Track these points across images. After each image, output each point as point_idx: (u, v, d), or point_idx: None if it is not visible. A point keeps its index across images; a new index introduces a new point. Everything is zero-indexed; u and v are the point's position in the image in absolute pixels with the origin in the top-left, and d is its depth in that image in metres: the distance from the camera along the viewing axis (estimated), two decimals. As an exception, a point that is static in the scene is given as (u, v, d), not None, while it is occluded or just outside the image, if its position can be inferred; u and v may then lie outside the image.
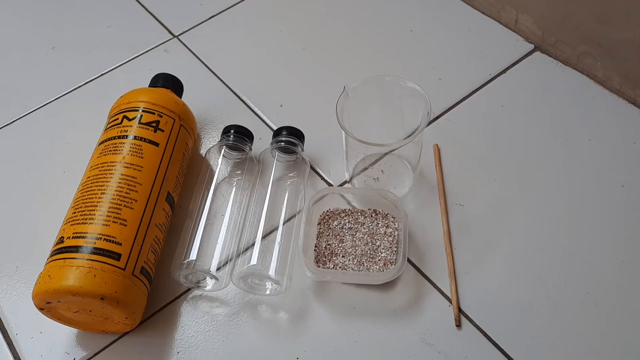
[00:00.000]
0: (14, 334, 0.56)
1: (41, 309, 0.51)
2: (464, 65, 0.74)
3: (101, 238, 0.51)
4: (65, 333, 0.55)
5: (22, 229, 0.63)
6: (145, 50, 0.80)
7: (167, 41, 0.81)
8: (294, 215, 0.60)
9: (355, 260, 0.56)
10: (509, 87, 0.71)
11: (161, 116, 0.60)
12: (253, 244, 0.57)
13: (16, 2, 0.88)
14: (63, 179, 0.66)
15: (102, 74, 0.77)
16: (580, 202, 0.61)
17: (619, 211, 0.60)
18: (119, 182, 0.54)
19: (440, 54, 0.75)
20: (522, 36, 0.76)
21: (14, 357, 0.54)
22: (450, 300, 0.55)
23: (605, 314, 0.54)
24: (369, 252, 0.57)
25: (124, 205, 0.53)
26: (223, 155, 0.63)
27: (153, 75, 0.67)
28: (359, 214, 0.60)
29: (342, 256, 0.57)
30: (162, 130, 0.59)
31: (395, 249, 0.57)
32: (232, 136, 0.62)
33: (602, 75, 0.69)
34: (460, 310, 0.54)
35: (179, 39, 0.81)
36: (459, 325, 0.54)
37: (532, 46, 0.75)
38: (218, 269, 0.55)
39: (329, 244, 0.58)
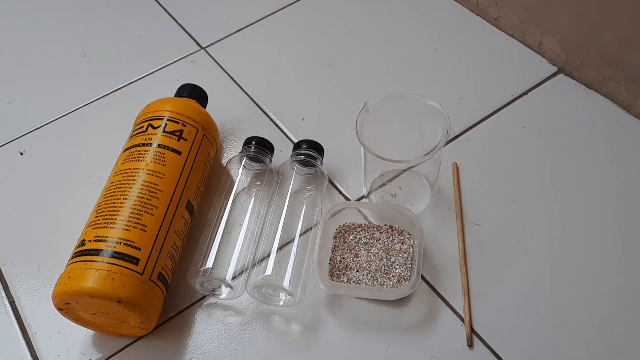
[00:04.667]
0: (32, 333, 0.57)
1: (60, 310, 0.52)
2: (486, 85, 0.74)
3: (121, 242, 0.52)
4: (82, 334, 0.56)
5: (46, 230, 0.65)
6: (173, 60, 0.82)
7: (194, 52, 0.82)
8: (311, 228, 0.60)
9: (369, 275, 0.57)
10: (531, 109, 0.71)
11: (185, 125, 0.61)
12: (269, 255, 0.57)
13: (52, 12, 0.91)
14: (88, 183, 0.68)
15: (130, 83, 0.79)
16: (599, 227, 0.60)
17: (638, 238, 0.59)
18: (141, 189, 0.56)
19: (463, 73, 0.76)
20: (546, 58, 0.76)
21: (32, 355, 0.56)
22: (463, 320, 0.55)
23: (621, 341, 0.53)
24: (383, 267, 0.57)
25: (145, 211, 0.54)
26: (243, 166, 0.64)
27: (179, 85, 0.69)
28: (375, 229, 0.60)
29: (357, 270, 0.57)
30: (185, 140, 0.61)
31: (410, 265, 0.57)
32: (253, 147, 0.64)
33: (625, 99, 0.69)
34: (472, 330, 0.54)
35: (206, 51, 0.82)
36: (470, 345, 0.53)
37: (555, 68, 0.75)
38: (233, 278, 0.56)
39: (343, 258, 0.58)
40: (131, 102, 0.73)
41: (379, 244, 0.59)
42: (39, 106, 0.78)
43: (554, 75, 0.74)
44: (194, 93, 0.68)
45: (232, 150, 0.70)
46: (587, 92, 0.72)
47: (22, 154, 0.72)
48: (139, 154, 0.59)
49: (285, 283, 0.55)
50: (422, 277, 0.58)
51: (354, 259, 0.58)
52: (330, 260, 0.58)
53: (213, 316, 0.57)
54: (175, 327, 0.56)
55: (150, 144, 0.59)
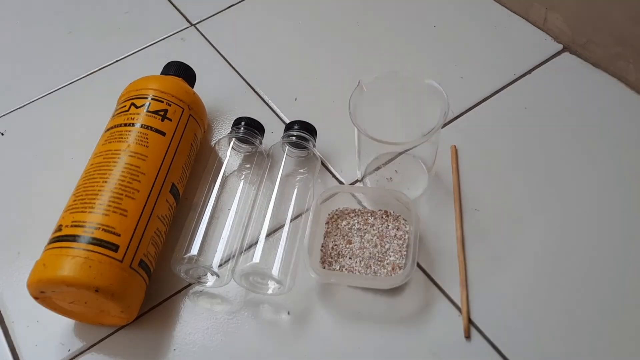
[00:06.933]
0: (10, 322, 0.55)
1: (36, 298, 0.50)
2: (487, 64, 0.71)
3: (100, 228, 0.49)
4: (61, 324, 0.54)
5: (26, 214, 0.62)
6: (162, 37, 0.78)
7: (184, 29, 0.79)
8: (302, 213, 0.58)
9: (362, 263, 0.54)
10: (534, 89, 0.68)
11: (170, 105, 0.58)
12: (257, 241, 0.55)
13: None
14: (70, 165, 0.64)
15: (117, 60, 0.76)
16: (605, 212, 0.57)
17: (646, 224, 0.56)
18: (122, 171, 0.53)
19: (464, 51, 0.72)
20: (551, 35, 0.72)
21: (9, 345, 0.53)
22: (460, 310, 0.52)
23: (628, 334, 0.50)
24: (377, 254, 0.54)
25: (126, 195, 0.51)
26: (232, 148, 0.61)
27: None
28: (369, 214, 0.57)
29: (349, 258, 0.55)
30: (170, 120, 0.58)
31: (405, 253, 0.54)
32: (242, 128, 0.61)
33: (634, 79, 0.66)
34: (470, 320, 0.52)
35: (196, 28, 0.79)
36: (468, 336, 0.51)
37: (560, 46, 0.71)
38: (220, 265, 0.53)
39: (336, 245, 0.56)
40: (117, 81, 0.70)
41: (373, 230, 0.56)
42: (21, 85, 0.74)
43: (559, 53, 0.71)
44: (180, 71, 0.65)
45: (221, 132, 0.67)
46: (594, 71, 0.69)
47: (2, 134, 0.70)
48: (121, 134, 0.56)
49: (274, 271, 0.52)
50: (418, 265, 0.55)
51: (347, 246, 0.55)
52: (322, 247, 0.56)
53: (199, 305, 0.54)
54: (159, 316, 0.54)
55: (133, 124, 0.56)
